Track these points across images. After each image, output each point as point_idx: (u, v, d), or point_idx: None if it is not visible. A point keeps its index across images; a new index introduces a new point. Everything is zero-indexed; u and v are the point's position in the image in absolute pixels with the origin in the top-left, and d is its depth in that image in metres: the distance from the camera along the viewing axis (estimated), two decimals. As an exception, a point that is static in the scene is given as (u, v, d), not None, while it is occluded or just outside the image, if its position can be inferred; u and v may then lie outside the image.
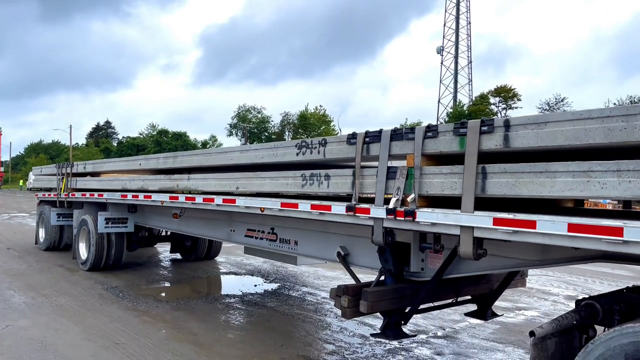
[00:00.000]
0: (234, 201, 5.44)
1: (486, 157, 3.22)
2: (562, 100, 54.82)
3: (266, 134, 72.88)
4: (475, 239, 3.19)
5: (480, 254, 3.25)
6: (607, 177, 2.63)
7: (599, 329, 3.13)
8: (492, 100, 57.66)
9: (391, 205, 3.63)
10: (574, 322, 3.11)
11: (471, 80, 68.76)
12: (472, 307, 5.17)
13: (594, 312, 3.25)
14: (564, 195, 2.83)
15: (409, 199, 3.55)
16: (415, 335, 5.75)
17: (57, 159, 72.26)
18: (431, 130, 3.49)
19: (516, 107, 57.04)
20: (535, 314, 7.23)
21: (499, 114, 55.54)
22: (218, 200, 5.68)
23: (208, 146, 71.83)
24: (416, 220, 3.47)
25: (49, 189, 12.02)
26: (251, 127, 71.74)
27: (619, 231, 2.51)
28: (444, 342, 5.83)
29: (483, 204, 3.22)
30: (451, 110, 60.39)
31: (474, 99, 62.43)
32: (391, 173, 3.73)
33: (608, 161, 2.64)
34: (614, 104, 43.53)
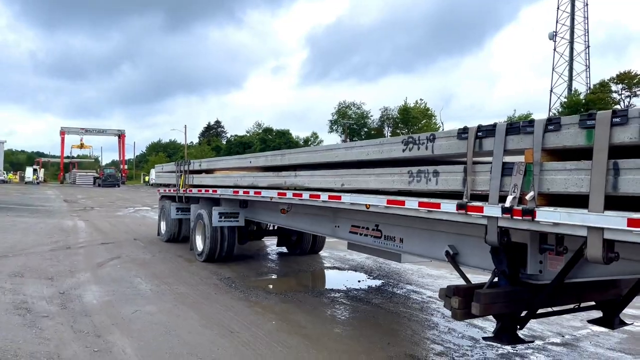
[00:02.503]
0: (339, 197, 5.49)
1: (618, 152, 2.93)
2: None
3: (365, 129, 72.90)
4: (605, 241, 2.92)
5: (611, 257, 2.97)
6: None
7: None
8: (613, 87, 52.55)
9: (507, 204, 3.44)
10: None
11: (589, 67, 63.18)
12: (597, 314, 4.75)
13: None
14: None
15: (527, 197, 3.33)
16: (532, 342, 5.41)
17: (174, 157, 78.21)
18: (553, 123, 3.25)
19: (643, 95, 51.46)
20: (671, 324, 6.48)
21: (622, 103, 50.53)
22: (324, 196, 5.77)
23: (310, 143, 73.52)
24: (535, 219, 3.26)
25: (169, 185, 13.02)
26: (351, 122, 72.16)
27: None
28: (564, 350, 5.43)
29: (614, 203, 2.94)
30: (565, 99, 56.00)
31: (592, 87, 57.35)
32: (507, 169, 3.53)
33: None
34: None
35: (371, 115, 74.45)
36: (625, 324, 4.76)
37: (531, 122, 3.41)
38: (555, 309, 4.46)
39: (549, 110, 60.27)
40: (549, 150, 3.30)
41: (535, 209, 3.26)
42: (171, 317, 6.35)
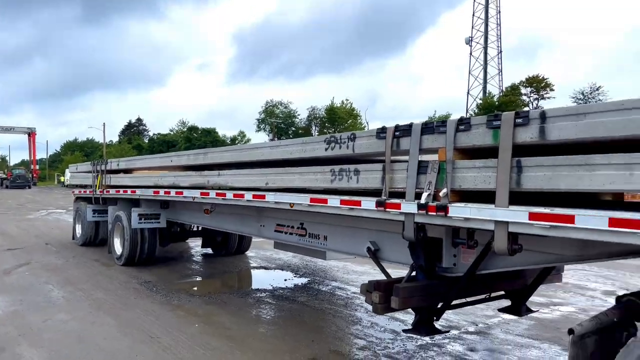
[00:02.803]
0: (263, 197, 5.46)
1: (521, 150, 3.14)
2: (597, 90, 53.01)
3: (293, 128, 73.09)
4: (510, 234, 3.12)
5: (515, 249, 3.18)
6: (651, 170, 2.52)
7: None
8: (523, 90, 56.30)
9: (422, 200, 3.58)
10: (615, 320, 3.00)
11: (501, 71, 67.31)
12: (506, 302, 5.06)
13: (635, 308, 3.14)
14: (604, 189, 2.73)
15: (441, 194, 3.49)
16: (447, 332, 5.67)
17: (92, 156, 74.18)
18: (463, 124, 3.42)
19: (549, 98, 55.48)
20: (572, 309, 7.05)
21: (530, 105, 54.23)
22: (248, 195, 5.72)
23: (237, 142, 72.53)
24: (448, 215, 3.42)
25: (85, 186, 12.34)
26: (278, 122, 72.05)
27: (664, 226, 2.40)
28: (477, 338, 5.74)
29: (518, 198, 3.14)
30: (481, 101, 59.29)
31: (504, 89, 61.14)
32: (422, 167, 3.68)
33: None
34: (653, 92, 41.91)
35: (299, 115, 74.75)
36: (532, 311, 5.11)
37: (444, 123, 3.57)
38: (469, 299, 4.71)
39: (466, 111, 63.56)
40: (461, 149, 3.47)
41: (448, 205, 3.42)
42: (86, 324, 6.02)
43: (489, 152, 3.29)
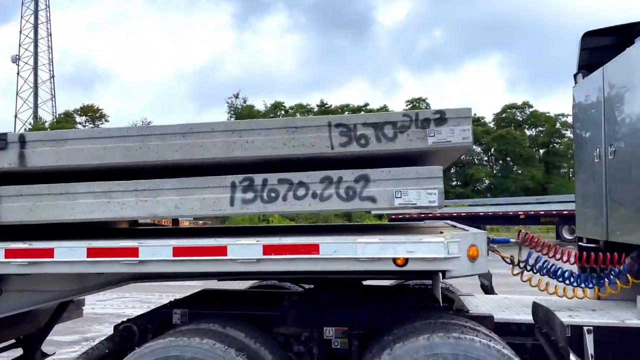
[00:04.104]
0: None
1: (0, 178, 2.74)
2: (148, 124, 57.42)
3: None
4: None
5: (-6, 293, 2.72)
6: (126, 197, 2.60)
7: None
8: (78, 119, 55.03)
9: None
10: (107, 350, 2.97)
11: (54, 96, 63.68)
12: (19, 351, 4.44)
13: (131, 334, 3.21)
14: (87, 218, 2.66)
15: None
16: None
17: None
18: None
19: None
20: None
21: (86, 134, 53.43)
22: None
23: None
24: None
25: None
26: None
27: (134, 251, 2.50)
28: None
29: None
30: (31, 126, 54.39)
31: (58, 116, 58.09)
32: None
33: (126, 181, 2.62)
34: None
35: None
36: (47, 355, 4.66)
37: None
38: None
39: (13, 136, 56.73)
40: None
41: None
42: None
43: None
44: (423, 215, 20.00)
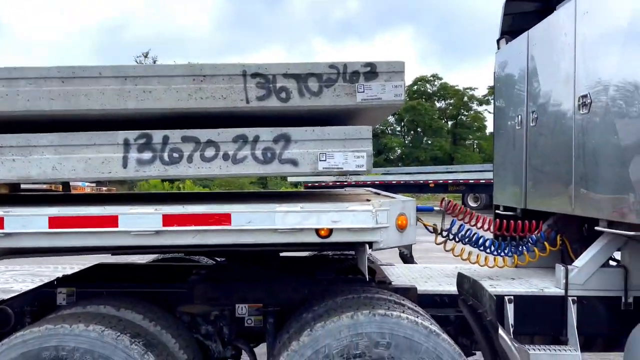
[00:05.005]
0: None
1: None
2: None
3: None
4: None
5: None
6: (-13, 156, 2.09)
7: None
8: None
9: None
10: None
11: None
12: None
13: (6, 318, 2.71)
14: None
15: None
16: None
17: None
18: None
19: None
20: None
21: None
22: None
23: None
24: None
25: None
26: None
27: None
28: None
29: None
30: None
31: None
32: None
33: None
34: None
35: None
36: None
37: None
38: None
39: None
40: None
41: None
42: None
43: None
44: (338, 184, 20.13)
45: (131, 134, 2.14)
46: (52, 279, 3.14)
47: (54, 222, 2.04)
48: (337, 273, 3.05)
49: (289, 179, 24.95)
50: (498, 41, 4.31)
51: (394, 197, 2.59)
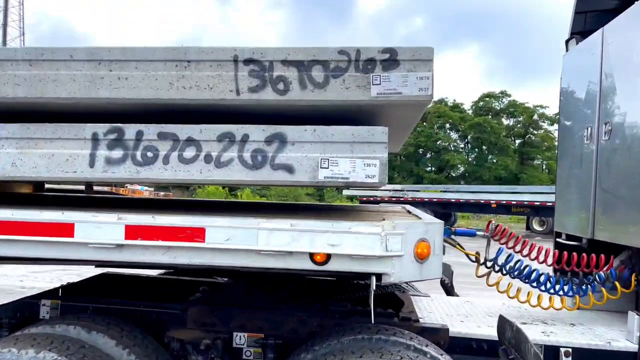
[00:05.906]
0: None
1: None
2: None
3: None
4: None
5: None
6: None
7: None
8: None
9: None
10: None
11: (23, 54, 60.81)
12: None
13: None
14: None
15: None
16: None
17: None
18: None
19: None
20: None
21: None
22: None
23: None
24: None
25: None
26: None
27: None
28: None
29: None
30: None
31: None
32: None
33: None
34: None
35: None
36: None
37: None
38: None
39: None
40: None
41: None
42: None
43: None
44: (394, 200, 19.38)
45: (101, 128, 1.81)
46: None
47: (-4, 227, 1.74)
48: (355, 303, 2.59)
49: (344, 192, 24.41)
50: (567, 42, 3.71)
51: (419, 217, 2.11)
